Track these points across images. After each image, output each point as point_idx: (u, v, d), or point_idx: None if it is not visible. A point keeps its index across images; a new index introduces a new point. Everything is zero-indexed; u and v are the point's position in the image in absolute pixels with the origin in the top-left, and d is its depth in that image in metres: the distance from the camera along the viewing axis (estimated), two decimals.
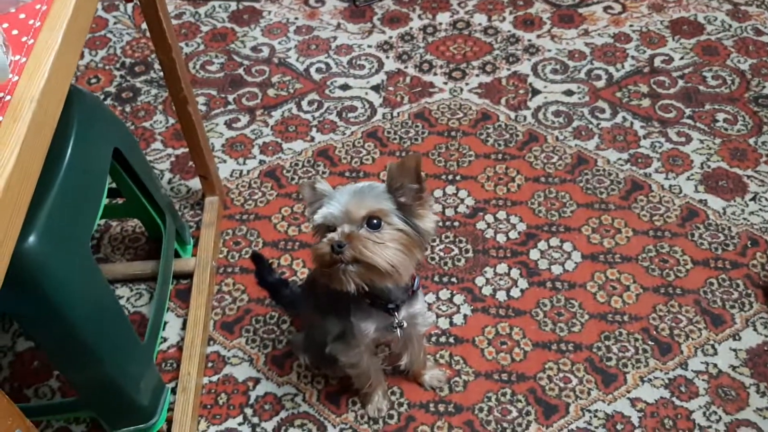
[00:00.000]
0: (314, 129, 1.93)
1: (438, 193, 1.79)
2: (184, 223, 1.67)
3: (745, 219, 1.70)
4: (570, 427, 1.39)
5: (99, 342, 1.17)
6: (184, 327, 1.53)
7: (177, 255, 1.61)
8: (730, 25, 2.17)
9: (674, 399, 1.42)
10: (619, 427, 1.39)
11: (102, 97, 2.03)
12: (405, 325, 1.22)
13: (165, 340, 1.54)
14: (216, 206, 1.69)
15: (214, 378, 1.48)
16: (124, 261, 1.68)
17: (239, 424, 1.42)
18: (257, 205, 1.77)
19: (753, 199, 1.74)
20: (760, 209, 1.72)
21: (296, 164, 1.85)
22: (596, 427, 1.39)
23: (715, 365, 1.47)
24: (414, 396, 1.45)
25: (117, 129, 1.37)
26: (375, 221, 1.05)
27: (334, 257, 1.04)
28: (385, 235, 1.05)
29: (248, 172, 1.84)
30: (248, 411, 1.43)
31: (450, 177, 1.82)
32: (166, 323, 1.56)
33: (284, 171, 1.84)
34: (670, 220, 1.71)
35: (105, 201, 1.25)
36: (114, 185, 1.46)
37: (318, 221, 1.08)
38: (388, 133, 1.92)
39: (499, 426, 1.40)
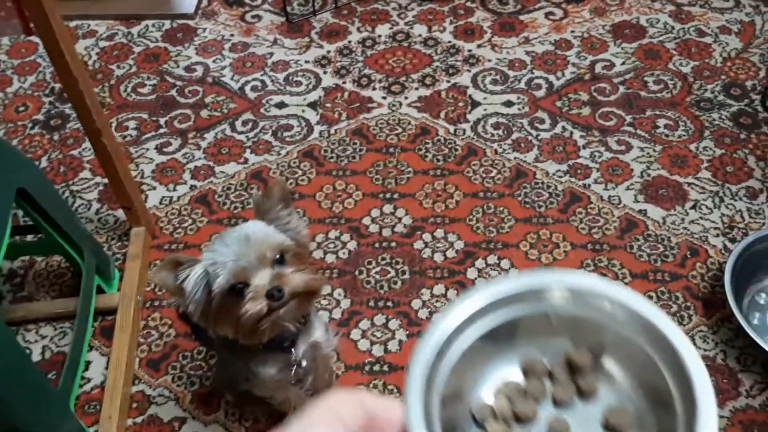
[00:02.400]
0: (248, 150, 1.88)
1: (375, 212, 1.75)
2: (109, 256, 1.61)
3: (685, 228, 1.67)
4: None
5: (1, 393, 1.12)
6: (108, 366, 1.48)
7: (102, 290, 1.56)
8: (673, 27, 2.14)
9: None
10: None
11: (30, 125, 1.97)
12: (304, 363, 1.17)
13: (88, 381, 1.48)
14: (142, 237, 1.64)
15: (139, 419, 1.43)
16: (48, 299, 1.62)
17: None
18: (187, 233, 1.72)
19: (693, 207, 1.71)
20: (701, 217, 1.69)
21: (229, 188, 1.80)
22: None
23: None
24: None
25: (22, 169, 1.31)
26: (281, 256, 1.02)
27: (273, 305, 1.00)
28: (300, 263, 1.04)
29: (178, 198, 1.79)
30: None
31: (388, 195, 1.78)
32: (89, 363, 1.51)
33: (216, 196, 1.79)
34: (609, 233, 1.68)
35: (8, 241, 1.20)
36: (30, 222, 1.41)
37: (225, 283, 0.99)
38: (325, 151, 1.88)
39: None
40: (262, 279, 1.00)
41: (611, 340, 0.55)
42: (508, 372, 0.58)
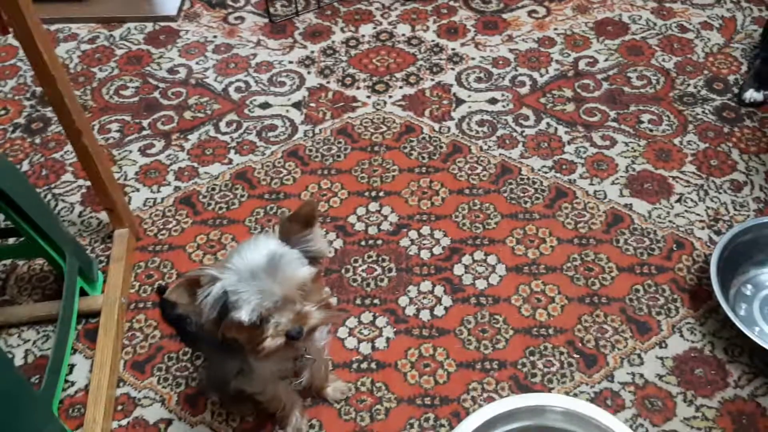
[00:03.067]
0: (232, 151, 1.87)
1: (361, 210, 1.74)
2: (92, 258, 1.59)
3: (670, 221, 1.68)
4: None
5: None
6: (92, 369, 1.45)
7: (85, 293, 1.54)
8: (655, 24, 2.15)
9: None
10: None
11: (11, 129, 1.95)
12: (308, 355, 1.17)
13: (72, 384, 1.46)
14: (125, 239, 1.62)
15: (124, 422, 1.41)
16: (30, 302, 1.60)
17: None
18: (171, 235, 1.70)
19: (678, 200, 1.72)
20: (686, 210, 1.69)
21: (213, 189, 1.79)
22: None
23: (642, 375, 1.43)
24: (334, 428, 1.39)
25: (1, 171, 1.29)
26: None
27: (290, 342, 1.00)
28: (318, 291, 1.04)
29: (162, 200, 1.77)
30: None
31: (373, 194, 1.77)
32: (73, 366, 1.49)
33: (200, 197, 1.77)
34: (594, 227, 1.68)
35: None
36: (11, 225, 1.39)
37: (248, 320, 0.98)
38: (310, 151, 1.87)
39: None
40: (284, 318, 1.00)
41: None
42: None
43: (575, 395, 1.41)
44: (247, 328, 0.99)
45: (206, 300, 0.98)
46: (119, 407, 1.43)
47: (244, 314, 0.97)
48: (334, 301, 1.07)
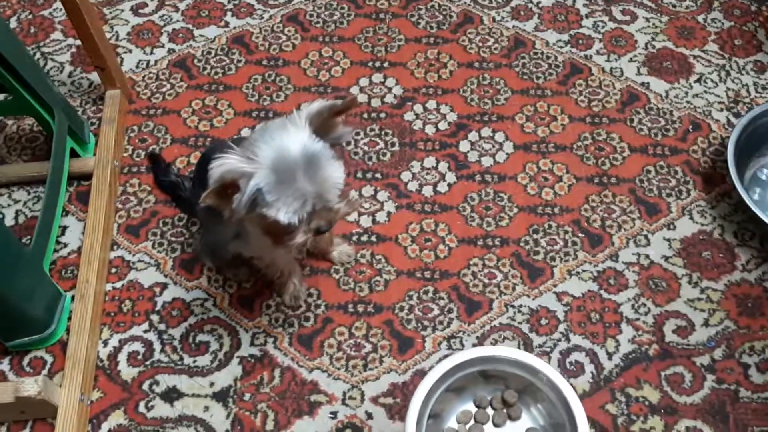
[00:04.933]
0: (229, 13, 1.76)
1: (364, 81, 1.66)
2: (83, 119, 1.53)
3: (688, 102, 1.60)
4: (493, 323, 1.33)
5: None
6: (84, 231, 1.42)
7: (76, 154, 1.49)
8: None
9: (602, 292, 1.36)
10: (543, 321, 1.33)
11: None
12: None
13: (65, 245, 1.43)
14: (117, 101, 1.55)
15: (118, 284, 1.39)
16: (21, 162, 1.54)
17: (144, 332, 1.33)
18: (165, 99, 1.62)
19: (698, 80, 1.63)
20: (705, 91, 1.61)
21: (209, 53, 1.70)
22: (520, 323, 1.33)
23: (647, 256, 1.40)
24: (332, 297, 1.37)
25: None
26: None
27: (316, 236, 1.01)
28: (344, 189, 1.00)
29: (156, 62, 1.68)
30: (154, 317, 1.35)
31: (377, 64, 1.68)
32: (65, 228, 1.45)
33: (195, 60, 1.68)
34: (608, 106, 1.60)
35: None
36: None
37: (285, 221, 0.93)
38: (311, 16, 1.76)
39: (419, 324, 1.33)
40: (321, 221, 0.99)
41: (529, 387, 0.99)
42: (466, 406, 1.04)
43: (577, 274, 1.38)
44: (278, 225, 0.95)
45: (242, 200, 0.93)
46: (113, 270, 1.40)
47: (282, 216, 0.93)
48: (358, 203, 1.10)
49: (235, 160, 0.93)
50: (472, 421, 1.04)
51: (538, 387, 1.00)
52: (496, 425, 1.03)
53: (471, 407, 1.04)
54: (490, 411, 1.04)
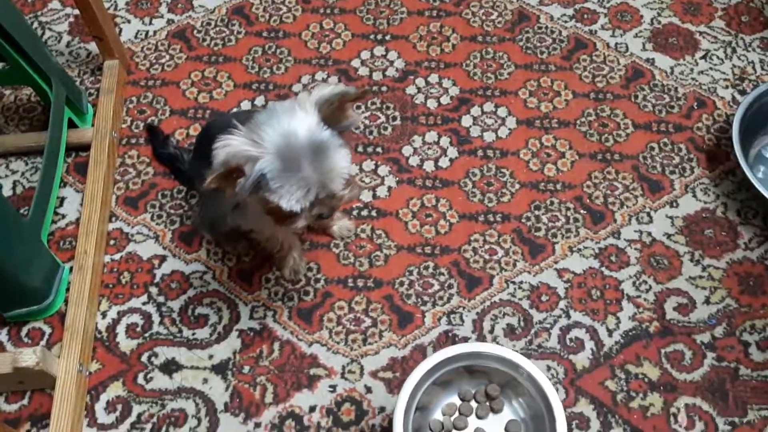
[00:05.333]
0: None
1: (365, 54, 1.64)
2: (81, 90, 1.51)
3: (693, 79, 1.58)
4: (493, 299, 1.33)
5: None
6: (83, 202, 1.41)
7: (74, 125, 1.47)
8: None
9: (603, 269, 1.35)
10: (543, 298, 1.32)
11: None
12: None
13: (63, 217, 1.42)
14: (116, 71, 1.53)
15: (117, 256, 1.38)
16: (18, 132, 1.53)
17: (143, 304, 1.33)
18: (164, 70, 1.61)
19: (704, 57, 1.61)
20: (711, 68, 1.60)
21: (208, 23, 1.67)
22: (520, 299, 1.32)
23: (649, 233, 1.39)
24: (332, 271, 1.36)
25: None
26: None
27: (318, 220, 1.02)
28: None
29: (155, 33, 1.66)
30: (153, 290, 1.34)
31: (379, 37, 1.66)
32: (63, 199, 1.44)
33: (195, 31, 1.66)
34: (613, 81, 1.58)
35: None
36: None
37: (287, 208, 0.93)
38: None
39: (419, 300, 1.33)
40: (324, 208, 0.99)
41: (511, 381, 1.05)
42: (451, 398, 1.09)
43: (579, 250, 1.37)
44: (281, 210, 0.94)
45: (245, 184, 0.93)
46: (111, 242, 1.39)
47: (284, 203, 0.92)
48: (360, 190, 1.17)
49: (240, 142, 0.92)
50: (456, 414, 1.08)
51: (519, 381, 1.04)
52: (479, 417, 1.09)
53: (456, 400, 1.09)
54: (474, 404, 1.09)
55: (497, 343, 1.27)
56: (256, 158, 0.91)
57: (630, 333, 1.28)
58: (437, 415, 1.06)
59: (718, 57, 1.61)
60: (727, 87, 1.57)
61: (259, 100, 1.56)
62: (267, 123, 0.93)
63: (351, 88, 0.97)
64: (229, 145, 0.91)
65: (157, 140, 1.46)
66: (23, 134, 1.50)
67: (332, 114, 0.96)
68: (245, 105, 1.55)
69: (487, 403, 1.07)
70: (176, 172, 1.45)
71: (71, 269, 1.32)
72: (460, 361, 1.04)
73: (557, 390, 1.22)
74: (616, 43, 1.64)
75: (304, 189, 0.92)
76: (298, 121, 0.93)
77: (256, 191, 0.93)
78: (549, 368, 1.25)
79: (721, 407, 1.21)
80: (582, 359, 1.26)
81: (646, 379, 1.24)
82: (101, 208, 1.37)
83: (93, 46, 1.61)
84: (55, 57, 1.58)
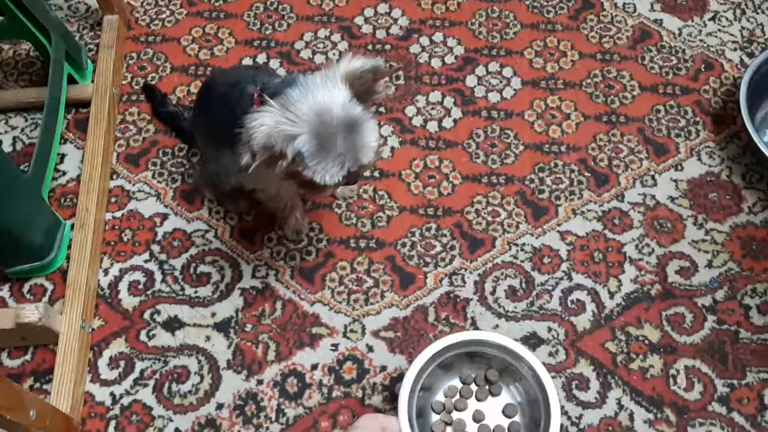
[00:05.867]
0: None
1: (369, 12, 1.61)
2: (81, 45, 1.49)
3: (701, 41, 1.56)
4: (495, 261, 1.33)
5: None
6: (83, 159, 1.40)
7: (74, 81, 1.45)
8: None
9: (606, 232, 1.35)
10: (546, 260, 1.32)
11: None
12: None
13: (64, 174, 1.41)
14: (116, 26, 1.51)
15: (118, 214, 1.37)
16: (18, 87, 1.51)
17: (145, 261, 1.33)
18: (165, 26, 1.58)
19: (713, 18, 1.59)
20: (719, 30, 1.57)
21: None
22: (522, 261, 1.32)
23: (653, 197, 1.39)
24: (334, 232, 1.36)
25: None
26: None
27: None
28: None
29: None
30: (155, 248, 1.34)
31: None
32: (63, 156, 1.43)
33: None
34: (620, 42, 1.56)
35: None
36: None
37: (320, 181, 0.95)
38: None
39: (421, 261, 1.33)
40: (349, 177, 0.99)
41: (509, 367, 1.09)
42: (452, 381, 1.13)
43: (582, 213, 1.37)
44: (313, 183, 0.96)
45: (283, 165, 0.95)
46: (113, 199, 1.38)
47: (319, 178, 0.94)
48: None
49: (275, 121, 0.92)
50: (457, 396, 1.12)
51: (516, 367, 1.09)
52: (478, 400, 1.12)
53: (457, 383, 1.12)
54: (474, 387, 1.13)
55: (498, 304, 1.28)
56: (293, 137, 0.92)
57: (631, 295, 1.29)
58: (439, 397, 1.11)
59: (726, 19, 1.59)
60: (735, 49, 1.55)
61: (261, 57, 1.54)
62: (301, 100, 0.93)
63: (381, 63, 0.97)
64: (265, 124, 0.91)
65: (155, 99, 1.44)
66: (23, 89, 1.48)
67: (363, 88, 0.97)
68: (247, 62, 1.53)
69: (487, 387, 1.12)
70: (177, 130, 1.44)
71: (72, 226, 1.32)
72: (463, 348, 1.08)
73: (557, 352, 1.23)
74: (624, 3, 1.61)
75: (339, 165, 0.94)
76: (332, 97, 0.94)
77: (289, 166, 0.95)
78: (550, 329, 1.25)
79: (720, 369, 1.22)
80: (583, 321, 1.26)
81: (646, 341, 1.25)
82: (102, 166, 1.36)
83: (92, 1, 1.58)
84: (54, 11, 1.55)
